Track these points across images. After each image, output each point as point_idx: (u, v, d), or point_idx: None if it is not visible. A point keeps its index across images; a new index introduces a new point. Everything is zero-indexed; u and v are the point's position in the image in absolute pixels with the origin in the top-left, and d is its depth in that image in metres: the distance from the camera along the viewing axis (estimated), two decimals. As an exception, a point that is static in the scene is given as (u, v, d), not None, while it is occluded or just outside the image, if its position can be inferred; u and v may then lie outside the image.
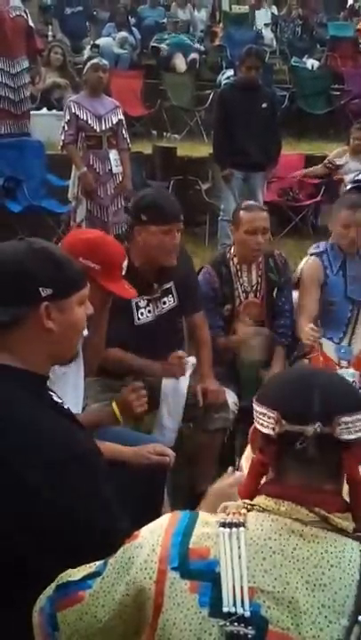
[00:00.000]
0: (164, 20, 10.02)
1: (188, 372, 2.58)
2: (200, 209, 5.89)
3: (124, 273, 2.02)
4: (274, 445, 1.01)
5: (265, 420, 1.02)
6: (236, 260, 2.85)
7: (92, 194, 4.74)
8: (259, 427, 1.03)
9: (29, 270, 1.26)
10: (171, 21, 9.82)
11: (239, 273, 2.84)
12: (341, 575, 0.95)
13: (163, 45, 9.15)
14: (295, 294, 2.99)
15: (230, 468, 1.27)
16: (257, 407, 1.05)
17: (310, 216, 6.29)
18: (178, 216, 2.43)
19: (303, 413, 0.98)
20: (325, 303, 2.88)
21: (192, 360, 2.63)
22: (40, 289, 1.26)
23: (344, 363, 2.78)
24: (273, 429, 1.00)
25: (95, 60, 4.92)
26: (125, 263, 2.01)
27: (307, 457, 0.98)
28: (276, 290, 2.88)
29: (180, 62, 8.92)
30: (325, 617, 0.93)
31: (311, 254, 2.95)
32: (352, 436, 0.98)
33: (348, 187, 5.41)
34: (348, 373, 2.45)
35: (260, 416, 1.03)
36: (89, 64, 4.88)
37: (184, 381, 2.55)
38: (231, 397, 2.63)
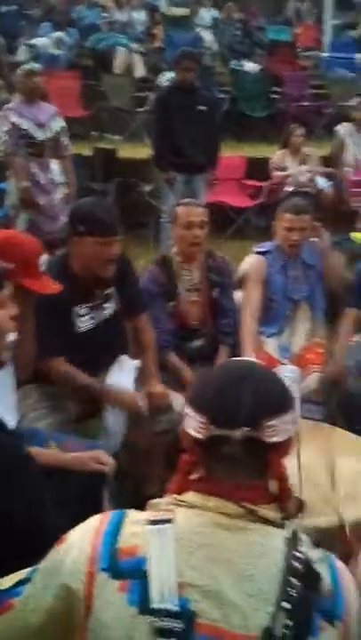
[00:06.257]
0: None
1: (133, 376, 2.55)
2: (143, 211, 5.87)
3: (43, 269, 1.99)
4: (202, 447, 1.02)
5: (194, 424, 1.03)
6: (178, 258, 2.87)
7: (34, 206, 4.53)
8: (187, 429, 1.04)
9: None
10: (106, 22, 9.73)
11: (181, 271, 2.86)
12: (268, 564, 0.97)
13: (100, 46, 9.08)
14: (238, 293, 3.05)
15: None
16: (186, 409, 1.06)
17: (253, 217, 6.35)
18: (115, 230, 2.39)
19: (231, 418, 1.00)
20: (266, 300, 2.98)
21: (136, 363, 2.60)
22: None
23: (285, 360, 2.83)
24: (200, 433, 1.01)
25: (27, 67, 4.71)
26: (44, 258, 1.97)
27: (234, 458, 1.00)
28: (217, 290, 2.91)
29: (118, 63, 8.87)
30: (252, 606, 0.95)
31: (256, 252, 3.04)
32: (278, 438, 1.01)
33: (291, 189, 5.50)
34: (289, 369, 2.49)
35: (190, 419, 1.04)
36: (20, 71, 4.66)
37: (128, 384, 2.52)
38: (177, 399, 2.62)
